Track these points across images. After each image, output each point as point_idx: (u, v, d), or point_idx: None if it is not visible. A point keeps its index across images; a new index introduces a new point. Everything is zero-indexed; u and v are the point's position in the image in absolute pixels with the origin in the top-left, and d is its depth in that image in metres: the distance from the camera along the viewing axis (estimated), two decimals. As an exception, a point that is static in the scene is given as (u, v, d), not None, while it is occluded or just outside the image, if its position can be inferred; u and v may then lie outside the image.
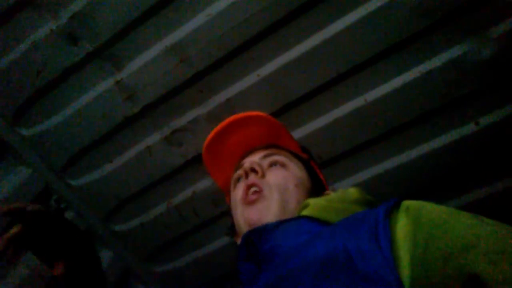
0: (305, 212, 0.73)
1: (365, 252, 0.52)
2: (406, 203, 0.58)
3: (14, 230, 0.66)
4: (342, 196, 0.77)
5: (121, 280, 1.57)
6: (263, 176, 0.81)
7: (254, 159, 0.88)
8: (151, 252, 1.54)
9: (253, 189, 0.79)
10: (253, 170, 0.82)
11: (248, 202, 0.78)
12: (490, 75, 1.12)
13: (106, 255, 1.50)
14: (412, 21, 1.09)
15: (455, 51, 1.12)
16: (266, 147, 0.91)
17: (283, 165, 0.85)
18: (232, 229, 0.91)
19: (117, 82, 1.26)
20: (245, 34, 1.17)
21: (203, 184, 1.41)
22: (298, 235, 0.65)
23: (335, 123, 1.26)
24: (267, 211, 0.75)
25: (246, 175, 0.82)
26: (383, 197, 1.30)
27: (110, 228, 1.50)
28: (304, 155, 0.92)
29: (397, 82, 1.18)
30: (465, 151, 1.21)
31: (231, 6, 1.13)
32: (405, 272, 0.49)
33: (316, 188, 0.86)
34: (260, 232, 0.70)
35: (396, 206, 0.58)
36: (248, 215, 0.77)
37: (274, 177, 0.81)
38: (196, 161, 1.37)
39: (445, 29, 1.10)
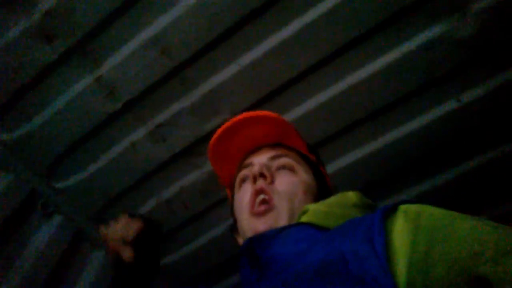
0: (304, 219, 0.72)
1: (360, 256, 0.51)
2: (404, 206, 0.57)
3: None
4: (341, 200, 0.76)
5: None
6: (271, 181, 0.79)
7: (262, 160, 0.85)
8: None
9: (261, 197, 0.77)
10: (261, 175, 0.80)
11: (257, 214, 0.76)
12: (470, 52, 1.13)
13: (98, 256, 1.48)
14: (390, 2, 1.09)
15: (434, 30, 1.13)
16: (274, 145, 0.89)
17: (291, 169, 0.83)
18: (233, 227, 0.89)
19: (97, 79, 1.24)
20: (223, 23, 1.16)
21: (191, 177, 1.40)
22: (298, 242, 0.65)
23: (318, 108, 1.27)
24: (275, 223, 0.74)
25: (254, 179, 0.80)
26: (368, 179, 1.34)
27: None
28: (312, 157, 0.90)
29: (378, 64, 1.19)
30: (448, 128, 1.22)
31: (208, -5, 1.12)
32: (401, 276, 0.48)
33: (322, 193, 0.84)
34: (260, 240, 0.70)
35: (393, 210, 0.57)
36: (256, 226, 0.75)
37: (283, 183, 0.79)
38: (182, 155, 1.36)
39: (424, 8, 1.11)
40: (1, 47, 1.19)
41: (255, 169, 0.81)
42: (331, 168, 1.33)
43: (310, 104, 1.27)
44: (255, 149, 0.90)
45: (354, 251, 0.52)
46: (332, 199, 0.77)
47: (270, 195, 0.77)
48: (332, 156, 1.33)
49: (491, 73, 1.15)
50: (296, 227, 0.70)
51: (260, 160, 0.85)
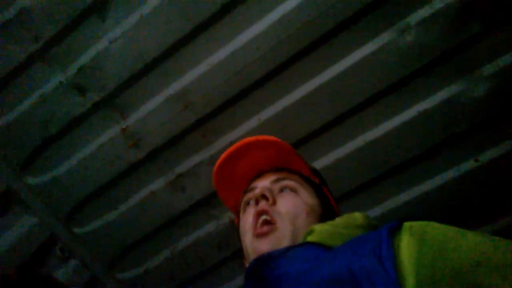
0: (310, 238, 0.72)
1: (369, 272, 0.52)
2: (408, 223, 0.58)
3: None
4: (347, 221, 0.76)
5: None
6: (274, 203, 0.80)
7: (265, 183, 0.86)
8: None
9: (263, 217, 0.78)
10: (263, 197, 0.81)
11: (259, 234, 0.77)
12: (485, 112, 1.14)
13: (110, 305, 1.47)
14: (406, 63, 1.14)
15: (450, 91, 1.16)
16: (277, 170, 0.90)
17: (294, 190, 0.84)
18: (241, 253, 0.89)
19: (123, 130, 1.30)
20: (245, 80, 1.22)
21: (208, 228, 1.41)
22: (304, 261, 0.65)
23: (335, 164, 1.28)
24: (278, 243, 0.74)
25: (257, 201, 0.81)
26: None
27: (114, 277, 1.48)
28: (315, 179, 0.91)
29: (395, 122, 1.21)
30: (466, 188, 1.21)
31: (230, 55, 1.19)
32: None
33: (327, 214, 0.85)
34: (266, 260, 0.70)
35: (399, 227, 0.58)
36: (259, 247, 0.75)
37: (285, 204, 0.80)
38: (200, 205, 1.38)
39: (439, 70, 1.15)
40: (38, 98, 1.28)
41: (257, 191, 0.82)
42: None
43: (328, 159, 1.28)
44: (259, 174, 0.91)
45: (362, 267, 0.53)
46: (338, 220, 0.77)
47: (272, 216, 0.77)
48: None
49: (509, 132, 1.15)
50: (302, 247, 0.70)
51: (263, 183, 0.87)
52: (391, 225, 0.58)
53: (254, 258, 0.73)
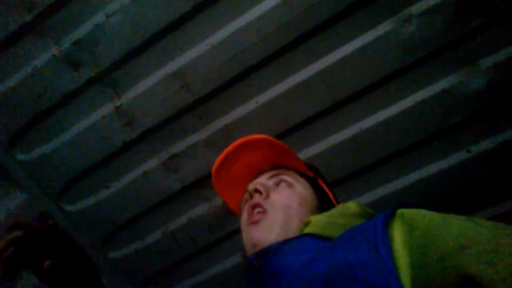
0: (307, 230, 0.74)
1: (366, 262, 0.53)
2: (400, 210, 0.59)
3: (16, 233, 0.66)
4: (342, 210, 0.79)
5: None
6: (267, 196, 0.83)
7: (260, 180, 0.89)
8: (145, 279, 1.51)
9: (257, 210, 0.81)
10: (257, 191, 0.84)
11: (251, 222, 0.79)
12: (480, 105, 1.16)
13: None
14: (405, 53, 1.14)
15: (447, 82, 1.17)
16: (274, 168, 0.93)
17: (289, 185, 0.86)
18: (244, 250, 0.91)
19: (117, 108, 1.28)
20: (244, 62, 1.21)
21: (200, 210, 1.40)
22: (302, 253, 0.66)
23: (330, 150, 1.29)
24: (269, 230, 0.76)
25: (251, 196, 0.84)
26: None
27: (105, 255, 1.47)
28: (311, 173, 0.93)
29: (391, 111, 1.22)
30: (457, 179, 1.24)
31: (231, 36, 1.17)
32: (406, 279, 0.50)
33: (323, 206, 0.87)
34: (264, 254, 0.71)
35: (392, 214, 0.59)
36: (251, 234, 0.78)
37: (278, 196, 0.83)
38: (193, 186, 1.37)
39: (437, 61, 1.16)
40: (30, 70, 1.24)
41: (251, 186, 0.86)
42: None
43: (324, 144, 1.29)
44: (257, 175, 0.94)
45: (359, 258, 0.54)
46: (333, 210, 0.80)
47: (265, 207, 0.80)
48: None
49: (502, 126, 1.18)
50: (299, 239, 0.72)
51: (257, 180, 0.90)
52: (386, 213, 0.59)
53: (254, 252, 0.74)
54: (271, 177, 0.89)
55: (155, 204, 1.40)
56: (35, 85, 1.25)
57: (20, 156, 1.34)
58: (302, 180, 0.89)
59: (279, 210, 0.79)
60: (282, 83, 1.24)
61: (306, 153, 1.32)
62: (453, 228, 0.52)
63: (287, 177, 0.88)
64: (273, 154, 0.92)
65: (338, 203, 0.93)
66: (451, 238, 0.50)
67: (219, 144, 1.31)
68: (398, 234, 0.55)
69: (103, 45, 1.21)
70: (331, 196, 0.93)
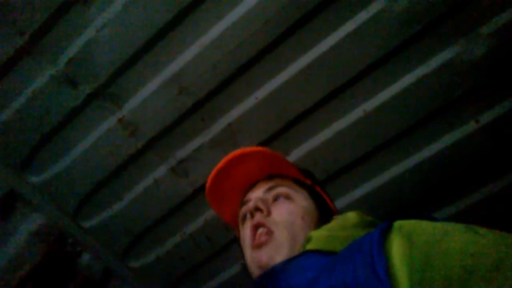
0: (309, 246, 0.73)
1: (363, 283, 0.52)
2: (398, 223, 0.58)
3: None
4: (342, 222, 0.77)
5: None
6: (269, 213, 0.81)
7: (258, 194, 0.87)
8: (170, 285, 1.53)
9: (260, 230, 0.79)
10: (257, 209, 0.82)
11: (257, 245, 0.78)
12: (484, 73, 1.13)
13: (126, 292, 1.50)
14: (401, 29, 1.11)
15: (448, 53, 1.14)
16: (269, 178, 0.91)
17: (287, 197, 0.84)
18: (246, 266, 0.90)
19: (120, 120, 1.28)
20: (238, 59, 1.20)
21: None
22: (305, 271, 0.66)
23: (336, 136, 1.27)
24: (276, 251, 0.75)
25: (252, 215, 0.82)
26: (390, 205, 1.32)
27: (128, 266, 1.50)
28: (308, 181, 0.92)
29: (393, 89, 1.19)
30: (468, 151, 1.21)
31: (221, 34, 1.16)
32: None
33: (323, 214, 0.85)
34: (270, 276, 0.71)
35: (389, 228, 0.58)
36: (258, 257, 0.76)
37: (280, 213, 0.81)
38: (204, 188, 1.37)
39: (435, 33, 1.12)
40: (30, 94, 1.25)
41: (251, 204, 0.83)
42: (352, 196, 1.32)
43: (328, 133, 1.27)
44: (252, 185, 0.92)
45: (357, 279, 0.53)
46: (333, 223, 0.79)
47: (269, 227, 0.78)
48: (352, 185, 1.33)
49: (508, 92, 1.14)
50: (302, 257, 0.71)
51: (256, 194, 0.87)
52: (382, 227, 0.58)
53: (259, 275, 0.74)
54: (268, 190, 0.87)
55: (169, 210, 1.41)
56: (37, 107, 1.27)
57: (33, 179, 1.36)
58: (300, 190, 0.88)
59: (283, 228, 0.78)
60: (279, 75, 1.22)
61: (312, 143, 1.30)
62: (455, 244, 0.49)
63: (285, 189, 0.86)
64: (267, 164, 0.91)
65: (336, 208, 0.91)
66: (455, 258, 0.48)
67: (224, 143, 1.31)
68: (396, 248, 0.53)
69: (97, 60, 1.21)
70: (329, 203, 0.92)
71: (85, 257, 1.42)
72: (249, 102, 1.25)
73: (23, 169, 1.35)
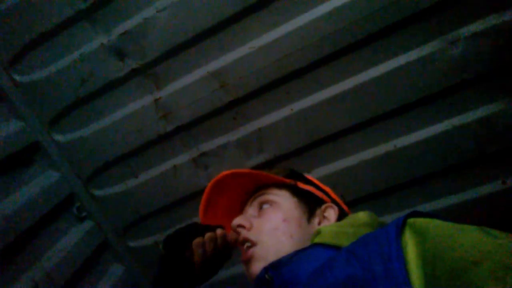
0: (317, 240, 0.76)
1: (380, 275, 0.53)
2: (412, 219, 0.59)
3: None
4: (352, 221, 0.80)
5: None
6: (251, 226, 0.84)
7: (246, 210, 0.91)
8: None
9: (246, 245, 0.82)
10: (239, 226, 0.84)
11: (245, 261, 0.81)
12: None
13: (117, 270, 1.49)
14: (449, 75, 1.13)
15: (488, 110, 1.15)
16: (257, 190, 0.93)
17: (271, 203, 0.87)
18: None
19: (156, 100, 1.31)
20: (283, 69, 1.22)
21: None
22: (313, 261, 0.67)
23: (361, 165, 1.28)
24: (263, 260, 0.77)
25: (237, 233, 0.84)
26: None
27: (125, 243, 1.50)
28: (290, 181, 0.92)
29: (427, 132, 1.20)
30: (492, 210, 1.20)
31: (274, 41, 1.19)
32: None
33: (312, 208, 0.88)
34: (276, 266, 0.72)
35: (404, 224, 0.59)
36: (250, 271, 0.79)
37: (261, 223, 0.84)
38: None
39: (479, 87, 1.13)
40: (77, 57, 1.29)
41: (233, 223, 0.85)
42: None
43: (353, 160, 1.28)
44: (243, 205, 0.95)
45: (374, 270, 0.54)
46: (344, 221, 0.82)
47: (252, 240, 0.81)
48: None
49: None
50: (310, 249, 0.74)
51: (241, 214, 0.91)
52: (398, 223, 0.59)
53: (264, 267, 0.75)
54: (253, 200, 0.91)
55: (181, 198, 1.42)
56: (81, 70, 1.30)
57: (57, 137, 1.39)
58: (283, 192, 0.89)
59: (266, 236, 0.80)
60: (319, 93, 1.24)
61: (334, 167, 1.31)
62: (466, 241, 0.50)
63: (268, 196, 0.89)
64: (247, 182, 0.93)
65: (333, 199, 0.93)
66: (463, 252, 0.48)
67: (250, 147, 1.32)
68: (411, 245, 0.55)
69: (150, 39, 1.25)
70: (321, 195, 0.92)
71: (87, 225, 1.42)
72: (284, 111, 1.27)
73: (52, 125, 1.38)
